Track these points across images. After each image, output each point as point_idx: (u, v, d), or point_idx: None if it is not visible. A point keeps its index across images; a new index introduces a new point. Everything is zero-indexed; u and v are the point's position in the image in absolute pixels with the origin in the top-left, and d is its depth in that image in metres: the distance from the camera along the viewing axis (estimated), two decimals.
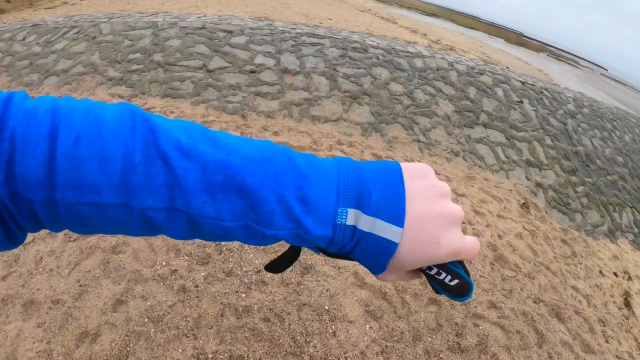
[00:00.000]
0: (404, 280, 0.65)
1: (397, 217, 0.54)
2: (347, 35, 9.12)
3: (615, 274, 5.65)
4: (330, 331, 3.39)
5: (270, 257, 3.91)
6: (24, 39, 8.38)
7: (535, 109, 8.47)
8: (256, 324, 3.30)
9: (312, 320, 3.44)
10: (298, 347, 3.22)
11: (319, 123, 6.60)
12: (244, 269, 3.74)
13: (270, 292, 3.59)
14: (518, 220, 5.70)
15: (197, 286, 3.50)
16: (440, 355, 3.46)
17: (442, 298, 3.96)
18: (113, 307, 3.24)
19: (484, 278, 4.38)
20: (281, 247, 3.87)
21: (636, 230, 7.17)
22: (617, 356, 4.20)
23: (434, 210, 0.56)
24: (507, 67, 14.38)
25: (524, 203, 6.21)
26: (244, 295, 3.51)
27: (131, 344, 3.02)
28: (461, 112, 7.65)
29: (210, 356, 3.02)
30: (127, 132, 0.47)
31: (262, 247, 3.99)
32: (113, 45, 7.69)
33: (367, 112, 7.04)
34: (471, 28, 50.43)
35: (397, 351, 3.38)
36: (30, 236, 3.77)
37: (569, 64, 57.27)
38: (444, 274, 0.59)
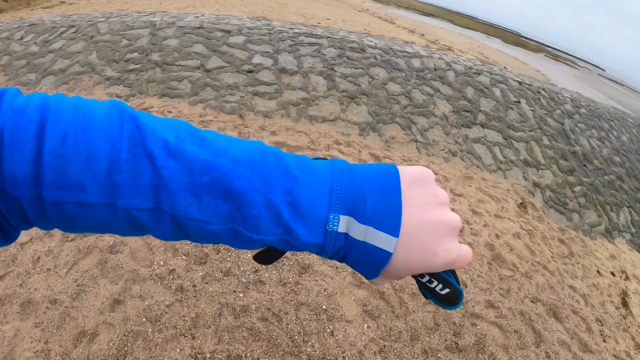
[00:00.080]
0: (397, 280, 0.63)
1: (392, 226, 0.52)
2: (344, 35, 9.11)
3: (612, 273, 5.66)
4: (328, 331, 3.39)
5: None
6: (21, 38, 8.37)
7: (532, 109, 8.48)
8: (254, 323, 3.30)
9: (310, 320, 3.44)
10: (296, 347, 3.22)
11: (316, 123, 6.61)
12: (241, 269, 3.74)
13: (268, 291, 3.59)
14: (515, 220, 5.71)
15: (194, 286, 3.50)
16: (438, 355, 3.47)
17: None
18: (111, 306, 3.24)
19: (482, 277, 4.38)
20: None
21: (633, 230, 7.18)
22: (614, 355, 4.21)
23: (432, 219, 0.55)
24: (505, 67, 14.39)
25: (521, 203, 6.22)
26: (241, 294, 3.51)
27: (129, 344, 3.01)
28: (459, 112, 7.66)
29: (208, 356, 3.02)
30: (115, 130, 0.47)
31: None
32: (111, 44, 7.68)
33: (364, 112, 7.04)
34: (469, 28, 50.50)
35: (395, 351, 3.39)
36: (27, 236, 3.77)
37: (567, 64, 57.40)
38: (435, 283, 0.58)
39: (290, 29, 8.84)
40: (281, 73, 7.32)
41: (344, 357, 3.22)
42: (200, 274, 3.62)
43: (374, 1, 44.49)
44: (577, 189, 7.16)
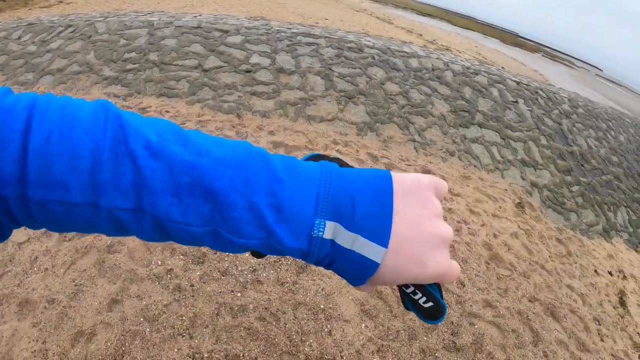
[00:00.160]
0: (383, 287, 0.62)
1: (381, 235, 0.51)
2: (342, 35, 9.12)
3: (610, 273, 5.67)
4: (325, 330, 3.40)
5: (266, 256, 3.90)
6: (19, 37, 8.36)
7: (530, 109, 8.49)
8: (252, 323, 3.30)
9: (308, 320, 3.44)
10: (294, 346, 3.22)
11: (314, 122, 6.61)
12: (239, 268, 3.74)
13: (266, 291, 3.59)
14: (513, 220, 5.71)
15: (192, 285, 3.50)
16: (436, 354, 3.47)
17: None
18: (108, 306, 3.24)
19: (479, 277, 4.39)
20: None
21: (631, 230, 7.20)
22: (612, 354, 4.21)
23: (424, 231, 0.53)
24: (503, 68, 14.42)
25: (519, 202, 6.23)
26: (239, 294, 3.51)
27: (127, 344, 3.01)
28: (456, 111, 7.67)
29: (205, 355, 3.02)
30: (99, 129, 0.46)
31: None
32: (108, 44, 7.67)
33: (362, 112, 7.04)
34: (467, 28, 50.51)
35: (393, 350, 3.39)
36: (25, 235, 3.77)
37: (564, 64, 57.44)
38: (419, 295, 0.56)
39: (288, 28, 8.84)
40: (279, 73, 7.32)
41: (341, 357, 3.22)
42: (198, 273, 3.62)
43: (372, 1, 44.50)
44: (575, 188, 7.17)
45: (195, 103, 6.55)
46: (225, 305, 3.40)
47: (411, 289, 0.56)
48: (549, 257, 5.27)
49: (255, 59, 7.50)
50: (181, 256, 3.75)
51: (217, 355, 3.04)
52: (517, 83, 9.22)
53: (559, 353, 3.91)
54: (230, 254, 3.82)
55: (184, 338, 3.11)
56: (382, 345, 3.40)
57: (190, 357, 2.99)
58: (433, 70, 8.51)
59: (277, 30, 8.52)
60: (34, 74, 7.26)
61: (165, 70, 7.06)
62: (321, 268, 3.90)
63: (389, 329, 3.54)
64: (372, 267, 0.51)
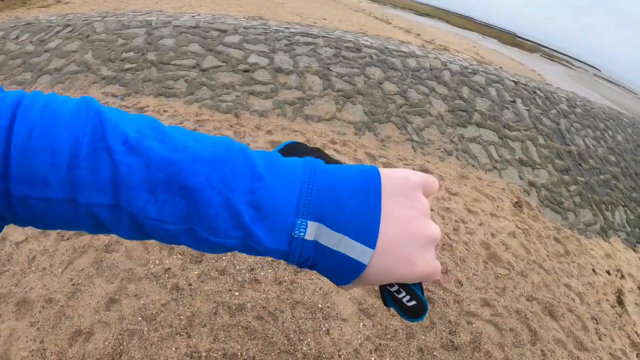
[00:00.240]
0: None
1: (368, 236, 0.49)
2: (340, 35, 9.12)
3: (608, 272, 5.68)
4: (323, 329, 3.40)
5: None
6: (17, 37, 8.35)
7: (528, 108, 8.49)
8: (250, 322, 3.30)
9: (306, 319, 3.44)
10: (291, 345, 3.22)
11: (312, 122, 6.61)
12: (237, 268, 3.74)
13: (264, 290, 3.59)
14: (511, 219, 5.72)
15: (190, 285, 3.50)
16: (434, 353, 3.48)
17: (436, 296, 3.98)
18: (106, 305, 3.24)
19: (477, 276, 4.39)
20: None
21: (628, 229, 7.21)
22: (610, 354, 4.22)
23: (413, 230, 0.51)
24: (501, 67, 14.42)
25: (516, 202, 6.23)
26: (237, 293, 3.52)
27: (124, 343, 3.01)
28: (454, 111, 7.67)
29: (203, 354, 3.02)
30: (79, 126, 0.45)
31: None
32: (106, 44, 7.67)
33: (360, 112, 7.05)
34: (465, 28, 50.52)
35: (391, 349, 3.39)
36: (23, 235, 3.77)
37: (563, 64, 57.47)
38: (403, 293, 0.55)
39: (286, 28, 8.84)
40: (277, 72, 7.32)
41: (339, 356, 3.23)
42: (196, 272, 3.62)
43: (371, 1, 44.49)
44: (573, 188, 7.18)
45: (193, 103, 6.55)
46: (223, 304, 3.40)
47: (395, 287, 0.55)
48: (547, 256, 5.28)
49: (253, 58, 7.50)
50: (179, 255, 3.75)
51: (214, 354, 3.04)
52: (515, 83, 9.23)
53: (557, 352, 3.91)
54: (228, 253, 3.84)
55: (181, 337, 3.11)
56: (380, 344, 3.40)
57: (188, 356, 3.00)
58: (431, 70, 8.52)
59: (275, 30, 8.52)
60: (32, 73, 7.26)
61: (163, 70, 7.06)
62: None
63: (387, 328, 3.55)
64: (359, 269, 0.50)
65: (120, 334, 3.05)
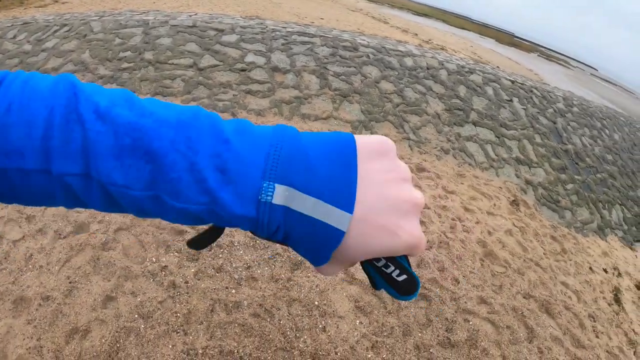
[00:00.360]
0: (346, 269, 0.58)
1: (345, 200, 0.47)
2: (337, 34, 9.13)
3: (605, 270, 5.68)
4: (320, 326, 3.40)
5: (260, 252, 3.92)
6: (14, 37, 8.34)
7: (525, 107, 8.51)
8: (246, 319, 3.30)
9: (302, 316, 3.45)
10: (288, 343, 3.23)
11: (309, 121, 6.61)
12: (233, 265, 3.74)
13: (260, 287, 3.60)
14: (508, 217, 5.73)
15: (187, 282, 3.50)
16: (431, 350, 3.48)
17: (433, 294, 3.98)
18: (103, 303, 3.24)
19: (474, 274, 4.40)
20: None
21: (625, 227, 7.22)
22: (607, 351, 4.23)
23: (393, 195, 0.50)
24: (498, 67, 14.43)
25: (513, 200, 6.24)
26: (234, 291, 3.52)
27: (121, 340, 3.01)
28: (451, 110, 7.68)
29: (200, 352, 3.03)
30: (54, 98, 0.45)
31: (252, 243, 3.99)
32: (104, 43, 7.66)
33: (357, 110, 7.05)
34: (462, 28, 50.49)
35: (387, 346, 3.40)
36: (20, 233, 3.76)
37: (560, 64, 57.49)
38: (392, 267, 0.52)
39: (283, 27, 8.84)
40: (274, 71, 7.32)
41: (336, 353, 3.23)
42: (193, 270, 3.62)
43: (368, 1, 44.43)
44: (570, 186, 7.19)
45: (190, 102, 6.54)
46: (219, 301, 3.40)
47: (382, 261, 0.52)
48: (544, 254, 5.29)
49: (250, 57, 7.50)
50: (176, 253, 3.75)
51: (211, 352, 3.04)
52: (512, 82, 9.25)
53: (554, 349, 3.92)
54: (224, 251, 3.84)
55: (178, 334, 3.11)
56: (377, 341, 3.41)
57: (184, 354, 3.00)
58: (428, 69, 8.53)
59: (272, 29, 8.52)
60: None
61: (160, 69, 7.06)
62: None
63: (384, 325, 3.55)
64: (337, 237, 0.47)
65: (117, 332, 3.05)
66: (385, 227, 0.48)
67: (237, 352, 3.08)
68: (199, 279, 3.55)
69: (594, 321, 4.54)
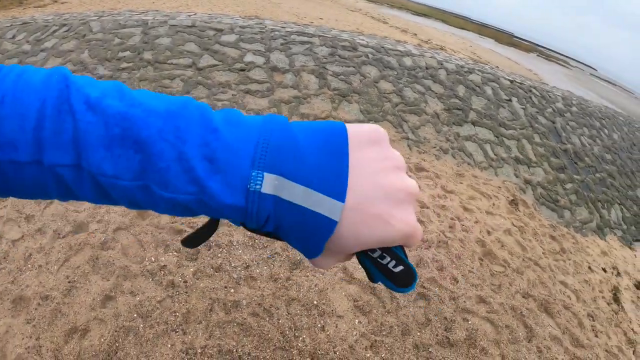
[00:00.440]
0: (342, 262, 0.57)
1: (336, 188, 0.46)
2: (336, 34, 9.13)
3: (604, 269, 5.69)
4: (319, 326, 3.40)
5: (259, 252, 3.92)
6: (13, 37, 8.33)
7: (524, 107, 8.51)
8: (245, 318, 3.30)
9: (301, 315, 3.45)
10: (287, 342, 3.23)
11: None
12: (232, 265, 3.74)
13: (259, 287, 3.60)
14: (507, 217, 5.73)
15: (186, 282, 3.51)
16: (430, 350, 3.48)
17: (432, 293, 3.98)
18: (102, 302, 3.24)
19: (473, 273, 4.40)
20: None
21: (624, 227, 7.23)
22: (606, 350, 4.23)
23: (386, 184, 0.49)
24: (497, 67, 14.44)
25: (512, 200, 6.25)
26: (232, 290, 3.52)
27: (120, 339, 3.02)
28: (450, 110, 7.69)
29: (199, 351, 3.03)
30: (46, 90, 0.45)
31: (251, 243, 4.00)
32: (103, 43, 7.66)
33: (356, 110, 7.05)
34: (462, 28, 50.50)
35: (386, 345, 3.40)
36: (19, 233, 3.76)
37: (559, 64, 57.49)
38: (388, 258, 0.52)
39: (282, 27, 8.84)
40: (273, 71, 7.32)
41: (335, 352, 3.23)
42: (192, 269, 3.62)
43: (367, 1, 44.42)
44: (569, 186, 7.20)
45: None
46: (218, 301, 3.40)
47: (378, 252, 0.52)
48: (543, 253, 5.29)
49: (249, 57, 7.50)
50: (175, 253, 3.75)
51: (210, 351, 3.04)
52: (511, 82, 9.25)
53: (553, 348, 3.92)
54: (223, 251, 3.84)
55: (177, 334, 3.11)
56: (376, 340, 3.41)
57: (183, 353, 3.00)
58: (427, 68, 8.53)
59: (271, 29, 8.52)
60: None
61: (159, 69, 7.05)
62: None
63: (382, 325, 3.55)
64: (329, 226, 0.47)
65: (115, 331, 3.05)
66: (379, 216, 0.48)
67: (236, 351, 3.08)
68: (197, 279, 3.56)
69: (593, 320, 4.55)
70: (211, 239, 3.95)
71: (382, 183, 0.49)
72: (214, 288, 3.50)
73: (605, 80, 65.01)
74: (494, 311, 4.03)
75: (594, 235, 6.53)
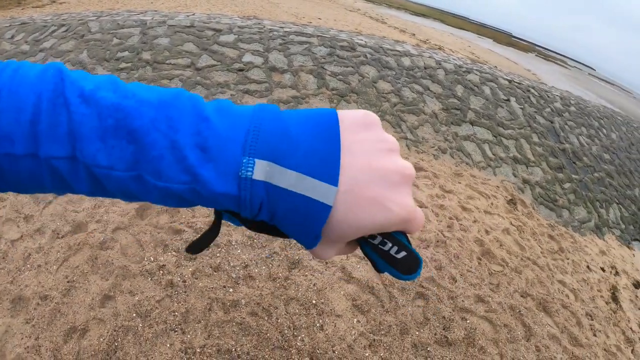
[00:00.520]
0: (344, 253, 0.56)
1: (328, 172, 0.46)
2: (335, 34, 9.13)
3: (602, 269, 5.70)
4: (317, 325, 3.41)
5: (257, 251, 3.92)
6: (12, 37, 8.33)
7: (522, 107, 8.52)
8: (244, 318, 3.31)
9: (300, 315, 3.45)
10: (286, 341, 3.23)
11: None
12: (231, 264, 3.75)
13: (258, 286, 3.60)
14: (505, 216, 5.74)
15: (184, 281, 3.51)
16: (428, 349, 3.49)
17: (430, 292, 3.98)
18: (101, 302, 3.24)
19: (471, 272, 4.41)
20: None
21: (623, 226, 7.24)
22: (605, 349, 4.24)
23: (380, 166, 0.48)
24: (495, 67, 14.45)
25: (511, 199, 6.25)
26: (231, 290, 3.52)
27: (119, 339, 3.02)
28: (448, 109, 7.69)
29: (198, 350, 3.03)
30: (42, 84, 0.46)
31: (249, 242, 4.00)
32: (101, 43, 7.65)
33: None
34: (460, 28, 50.54)
35: (385, 344, 3.40)
36: (18, 233, 3.77)
37: (557, 64, 57.59)
38: (389, 244, 0.51)
39: (280, 27, 8.84)
40: (271, 71, 7.32)
41: (333, 351, 3.24)
42: (190, 269, 3.63)
43: (366, 1, 44.46)
44: (567, 185, 7.21)
45: None
46: (217, 300, 3.41)
47: (378, 239, 0.51)
48: (541, 253, 5.30)
49: (247, 57, 7.50)
50: (173, 252, 3.76)
51: (209, 350, 3.05)
52: (509, 81, 9.26)
53: (551, 347, 3.93)
54: (222, 250, 3.84)
55: (176, 333, 3.12)
56: (374, 339, 3.41)
57: (182, 352, 3.00)
58: (425, 68, 8.53)
59: (270, 29, 8.52)
60: None
61: (158, 69, 7.05)
62: (312, 264, 3.91)
63: (381, 324, 3.56)
64: (323, 211, 0.46)
65: (115, 331, 3.06)
66: (374, 199, 0.47)
67: (235, 350, 3.09)
68: (196, 278, 3.56)
69: (592, 319, 4.55)
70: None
71: (376, 166, 0.48)
72: (212, 287, 3.51)
73: (604, 80, 65.10)
74: (493, 310, 4.04)
75: (593, 234, 6.54)
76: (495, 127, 7.66)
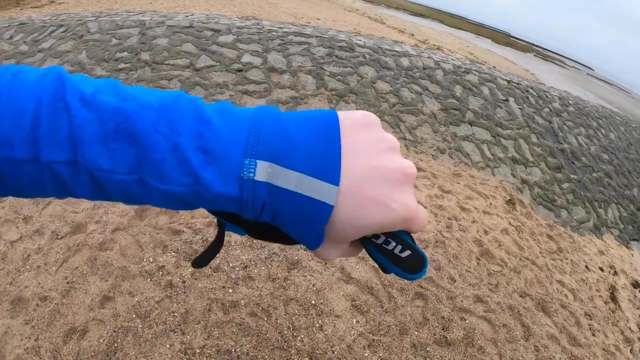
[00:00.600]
0: (349, 255, 0.56)
1: (330, 172, 0.46)
2: (334, 35, 9.13)
3: (601, 268, 5.70)
4: (317, 325, 3.41)
5: (257, 252, 3.92)
6: (10, 37, 8.32)
7: (521, 107, 8.53)
8: (243, 318, 3.31)
9: (299, 315, 3.45)
10: (285, 342, 3.23)
11: None
12: (230, 265, 3.75)
13: (257, 287, 3.60)
14: (504, 217, 5.74)
15: (184, 282, 3.51)
16: (427, 349, 3.49)
17: (429, 292, 3.99)
18: (100, 303, 3.25)
19: (470, 273, 4.41)
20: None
21: (621, 226, 7.24)
22: (604, 349, 4.25)
23: (382, 166, 0.48)
24: (494, 67, 14.45)
25: (509, 199, 6.26)
26: (231, 290, 3.52)
27: (119, 340, 3.02)
28: (447, 110, 7.70)
29: (197, 351, 3.03)
30: (42, 89, 0.46)
31: (249, 243, 4.00)
32: (100, 44, 7.65)
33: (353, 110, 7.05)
34: (459, 28, 50.53)
35: (384, 345, 3.41)
36: (17, 234, 3.77)
37: (556, 64, 57.55)
38: (393, 244, 0.51)
39: (279, 28, 8.84)
40: (270, 72, 7.32)
41: (333, 352, 3.24)
42: (190, 270, 3.62)
43: (364, 1, 44.46)
44: (565, 185, 7.21)
45: None
46: (216, 301, 3.41)
47: (382, 238, 0.51)
48: (540, 253, 5.30)
49: (246, 58, 7.50)
50: (173, 253, 3.76)
51: (208, 351, 3.05)
52: (508, 82, 9.27)
53: (550, 347, 3.94)
54: (221, 251, 3.84)
55: (175, 334, 3.12)
56: (373, 340, 3.42)
57: (182, 353, 3.01)
58: (424, 69, 8.54)
59: (269, 29, 8.52)
60: None
61: (157, 70, 7.05)
62: (312, 264, 3.91)
63: (380, 324, 3.56)
64: (325, 211, 0.46)
65: (114, 332, 3.06)
66: (376, 198, 0.47)
67: (235, 351, 3.09)
68: (196, 279, 3.56)
69: (591, 319, 4.56)
70: (210, 239, 3.96)
71: (377, 165, 0.48)
72: (212, 288, 3.51)
73: (602, 80, 65.09)
74: (492, 310, 4.04)
75: (591, 234, 6.55)
76: (493, 127, 7.67)
